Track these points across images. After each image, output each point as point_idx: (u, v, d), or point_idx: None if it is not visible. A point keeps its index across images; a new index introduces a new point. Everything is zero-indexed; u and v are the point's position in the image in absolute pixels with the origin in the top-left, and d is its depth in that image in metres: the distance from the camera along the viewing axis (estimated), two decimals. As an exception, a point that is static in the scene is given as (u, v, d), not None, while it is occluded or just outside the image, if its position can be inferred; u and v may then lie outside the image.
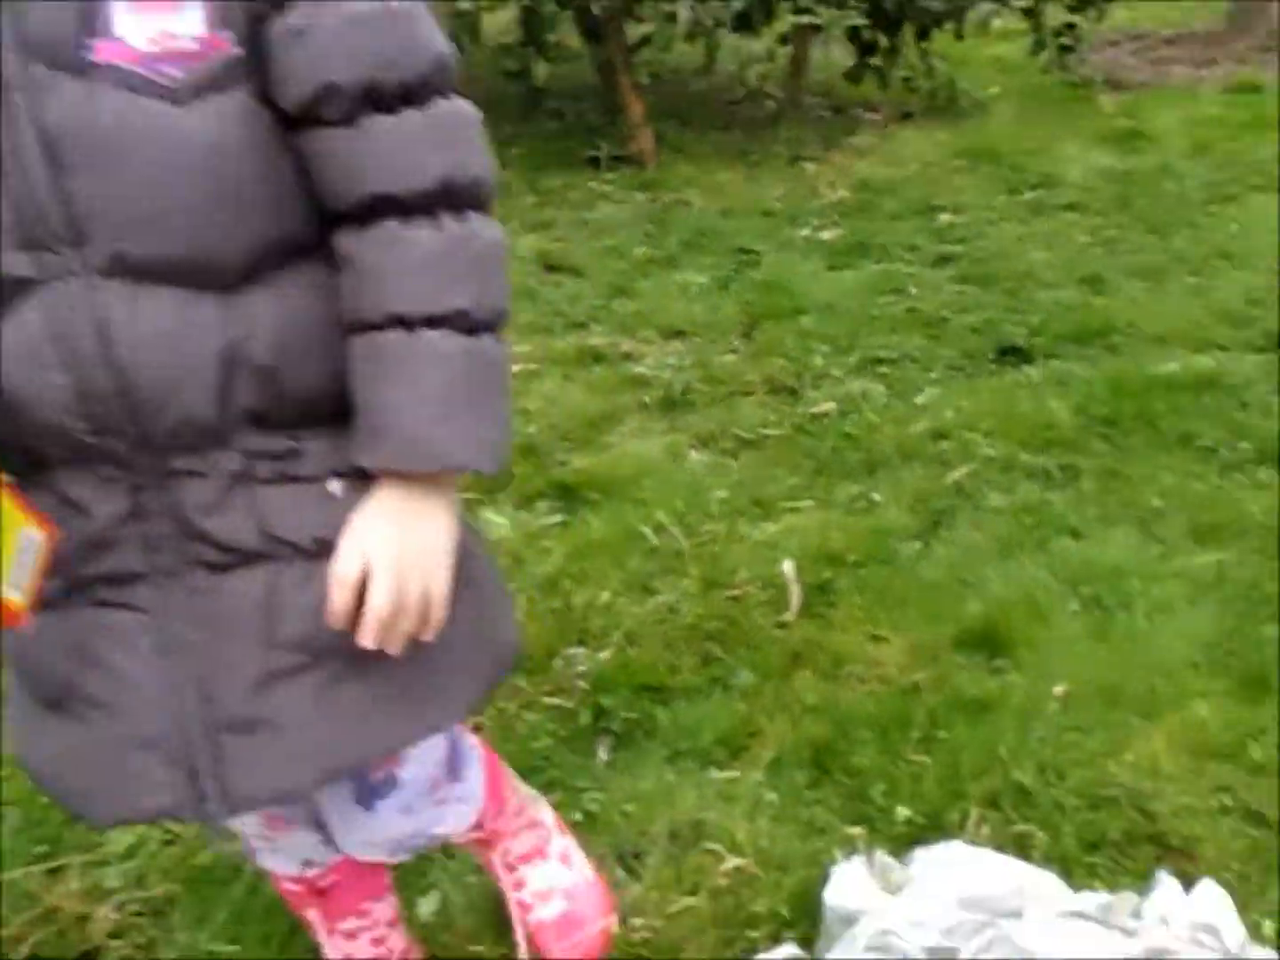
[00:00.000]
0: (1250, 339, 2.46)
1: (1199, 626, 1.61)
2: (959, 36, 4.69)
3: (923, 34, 4.62)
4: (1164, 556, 1.77)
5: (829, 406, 2.41)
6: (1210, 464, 2.01)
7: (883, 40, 4.65)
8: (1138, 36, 5.76)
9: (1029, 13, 4.50)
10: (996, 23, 6.17)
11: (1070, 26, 4.62)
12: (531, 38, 4.14)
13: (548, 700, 1.69)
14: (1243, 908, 1.18)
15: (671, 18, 3.82)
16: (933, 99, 4.79)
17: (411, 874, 1.43)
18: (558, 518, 2.16)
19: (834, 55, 4.83)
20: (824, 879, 1.25)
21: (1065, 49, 4.65)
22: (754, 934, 1.25)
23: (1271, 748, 1.39)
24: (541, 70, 4.22)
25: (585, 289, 3.29)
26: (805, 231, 3.56)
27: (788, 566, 1.86)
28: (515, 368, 2.83)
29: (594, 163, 4.53)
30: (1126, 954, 1.04)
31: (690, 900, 1.31)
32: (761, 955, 1.16)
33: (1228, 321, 2.56)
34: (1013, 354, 2.54)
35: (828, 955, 1.12)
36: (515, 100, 5.20)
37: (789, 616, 1.78)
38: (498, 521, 2.16)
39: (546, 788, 1.54)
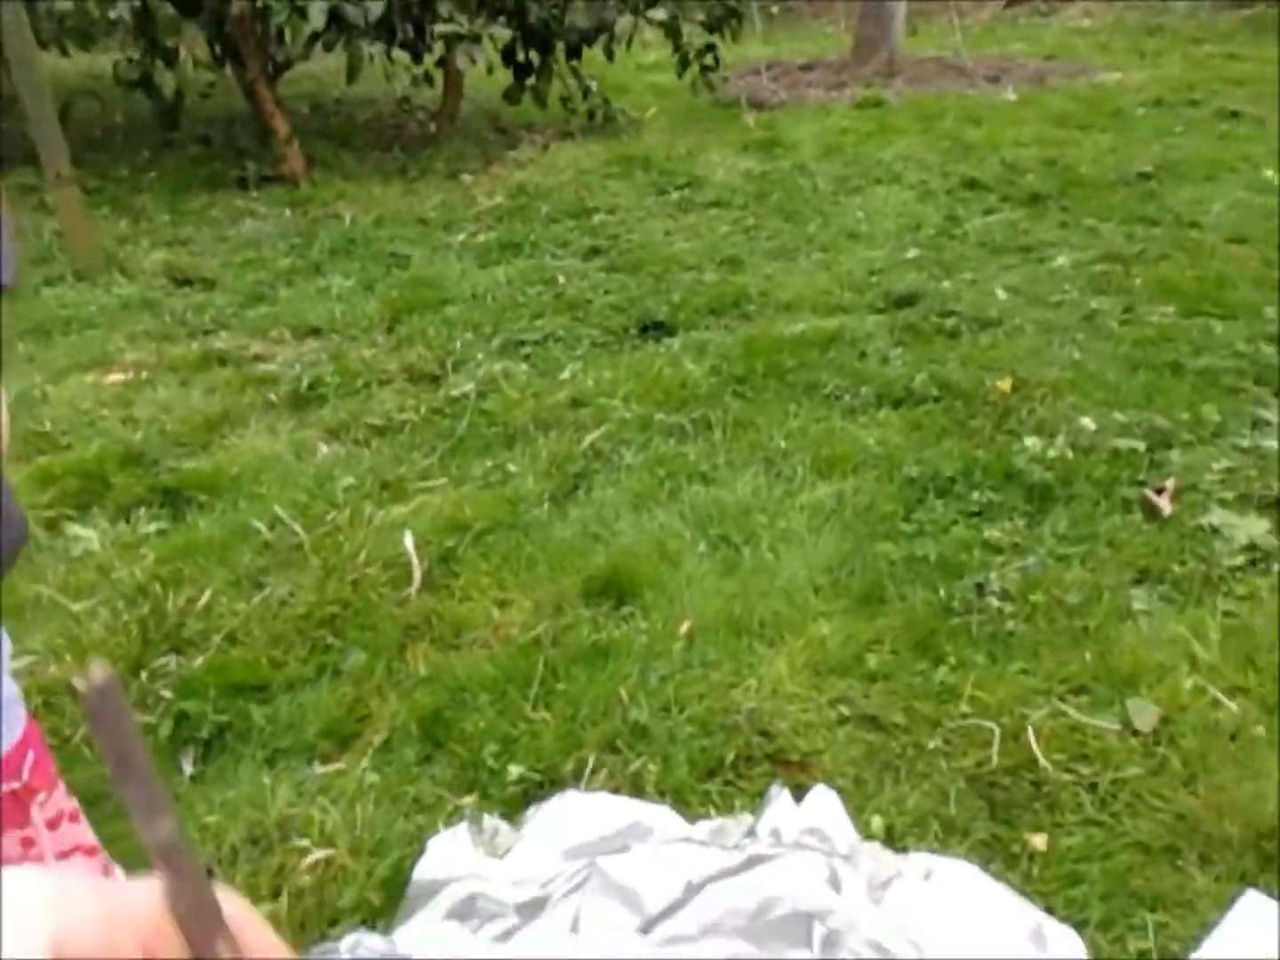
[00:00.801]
0: (871, 301, 2.56)
1: (820, 552, 1.59)
2: (609, 55, 4.78)
3: (573, 53, 4.67)
4: (789, 492, 1.75)
5: (469, 388, 2.28)
6: (834, 408, 2.03)
7: (535, 59, 4.66)
8: (776, 65, 6.12)
9: (668, 30, 4.64)
10: (651, 56, 6.43)
11: (710, 48, 4.81)
12: (151, 45, 3.83)
13: (127, 717, 1.45)
14: (858, 810, 1.12)
15: (303, 13, 3.63)
16: (590, 119, 4.85)
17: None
18: (158, 525, 1.90)
19: (496, 78, 4.80)
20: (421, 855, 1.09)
21: (706, 69, 4.83)
22: (337, 929, 1.07)
23: (887, 655, 1.37)
24: (169, 81, 3.91)
25: (216, 299, 3.03)
26: (460, 236, 3.46)
27: (408, 540, 1.70)
28: (121, 377, 2.54)
29: (242, 183, 4.26)
30: (722, 864, 0.94)
31: (269, 905, 1.11)
32: (323, 945, 0.98)
33: (851, 288, 2.66)
34: (655, 329, 2.52)
35: (399, 929, 0.96)
36: (153, 125, 4.85)
37: (410, 592, 1.62)
38: (84, 535, 1.88)
39: (115, 817, 1.30)
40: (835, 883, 0.93)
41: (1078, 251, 2.76)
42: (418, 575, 1.64)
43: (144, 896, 0.26)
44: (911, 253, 2.88)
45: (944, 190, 3.48)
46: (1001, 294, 2.52)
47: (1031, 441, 1.80)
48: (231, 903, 0.28)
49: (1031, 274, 2.66)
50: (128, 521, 1.92)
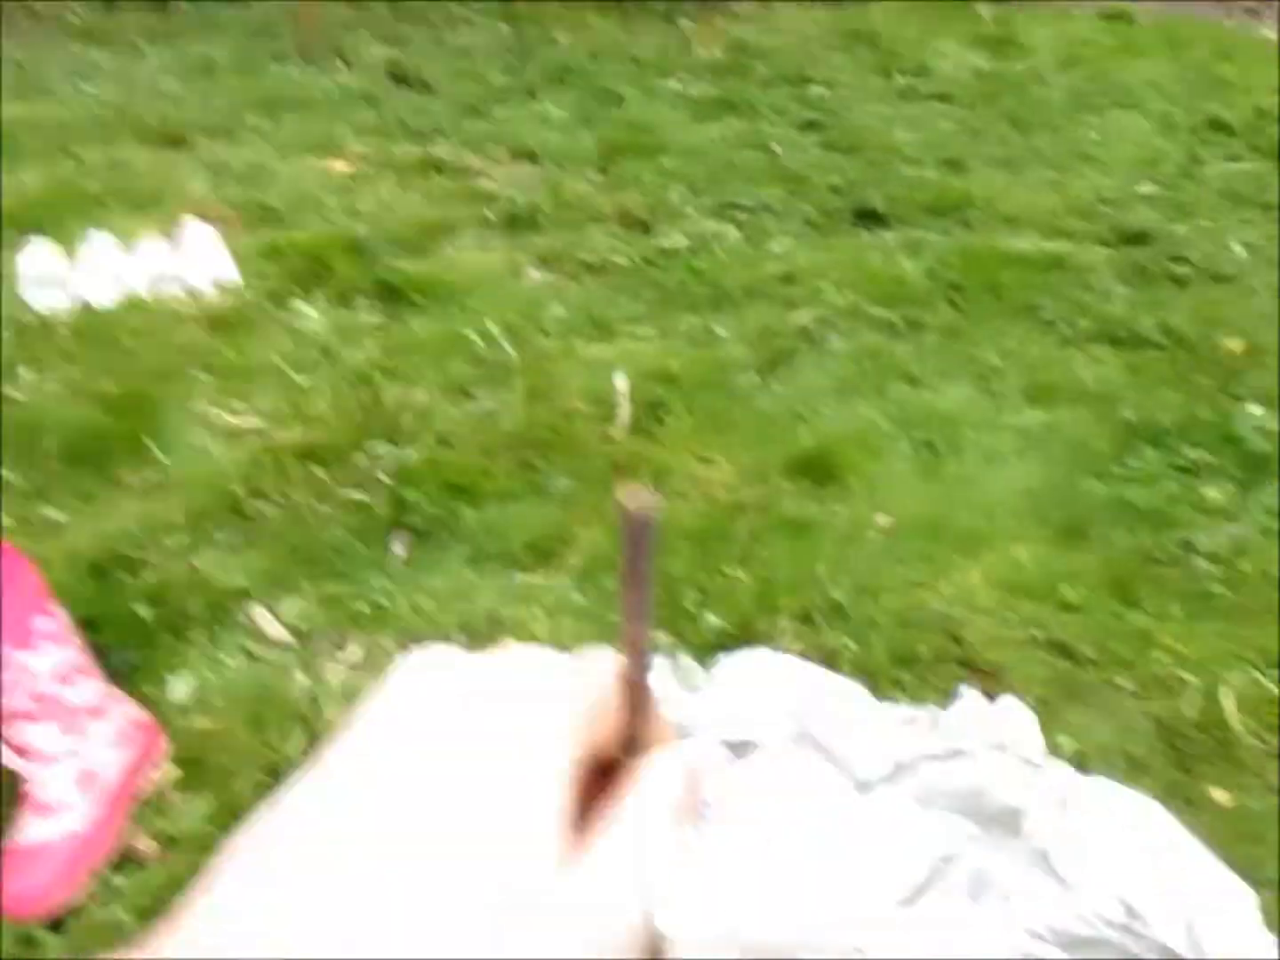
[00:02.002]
0: (1099, 233, 2.46)
1: (1025, 477, 1.59)
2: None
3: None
4: (998, 411, 1.75)
5: (680, 242, 2.28)
6: (1050, 335, 1.99)
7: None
8: (1020, -44, 5.74)
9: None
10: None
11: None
12: None
13: (345, 493, 1.55)
14: (1042, 729, 1.16)
15: None
16: (817, -19, 4.65)
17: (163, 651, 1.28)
18: (378, 318, 1.98)
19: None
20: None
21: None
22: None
23: (1083, 589, 1.38)
24: None
25: (434, 104, 3.05)
26: (675, 84, 3.40)
27: (619, 380, 1.74)
28: (346, 168, 2.60)
29: (458, -13, 4.23)
30: (927, 750, 0.99)
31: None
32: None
33: (1079, 214, 2.56)
34: (870, 218, 2.48)
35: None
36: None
37: (616, 432, 1.67)
38: (308, 313, 1.97)
39: (333, 580, 1.41)
40: (1032, 787, 0.97)
41: (1325, 218, 2.61)
42: (624, 416, 1.69)
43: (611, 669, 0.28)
44: (1146, 188, 2.75)
45: (1187, 127, 3.28)
46: (1238, 249, 2.40)
47: (1256, 409, 1.75)
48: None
49: (1271, 233, 2.52)
50: (348, 308, 2.00)
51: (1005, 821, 0.87)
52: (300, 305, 1.99)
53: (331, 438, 1.63)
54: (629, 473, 1.56)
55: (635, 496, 0.26)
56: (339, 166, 2.56)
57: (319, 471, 1.57)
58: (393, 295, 2.03)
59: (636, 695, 0.32)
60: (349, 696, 1.22)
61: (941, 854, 0.76)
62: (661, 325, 1.99)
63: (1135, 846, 0.96)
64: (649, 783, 0.30)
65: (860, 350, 1.91)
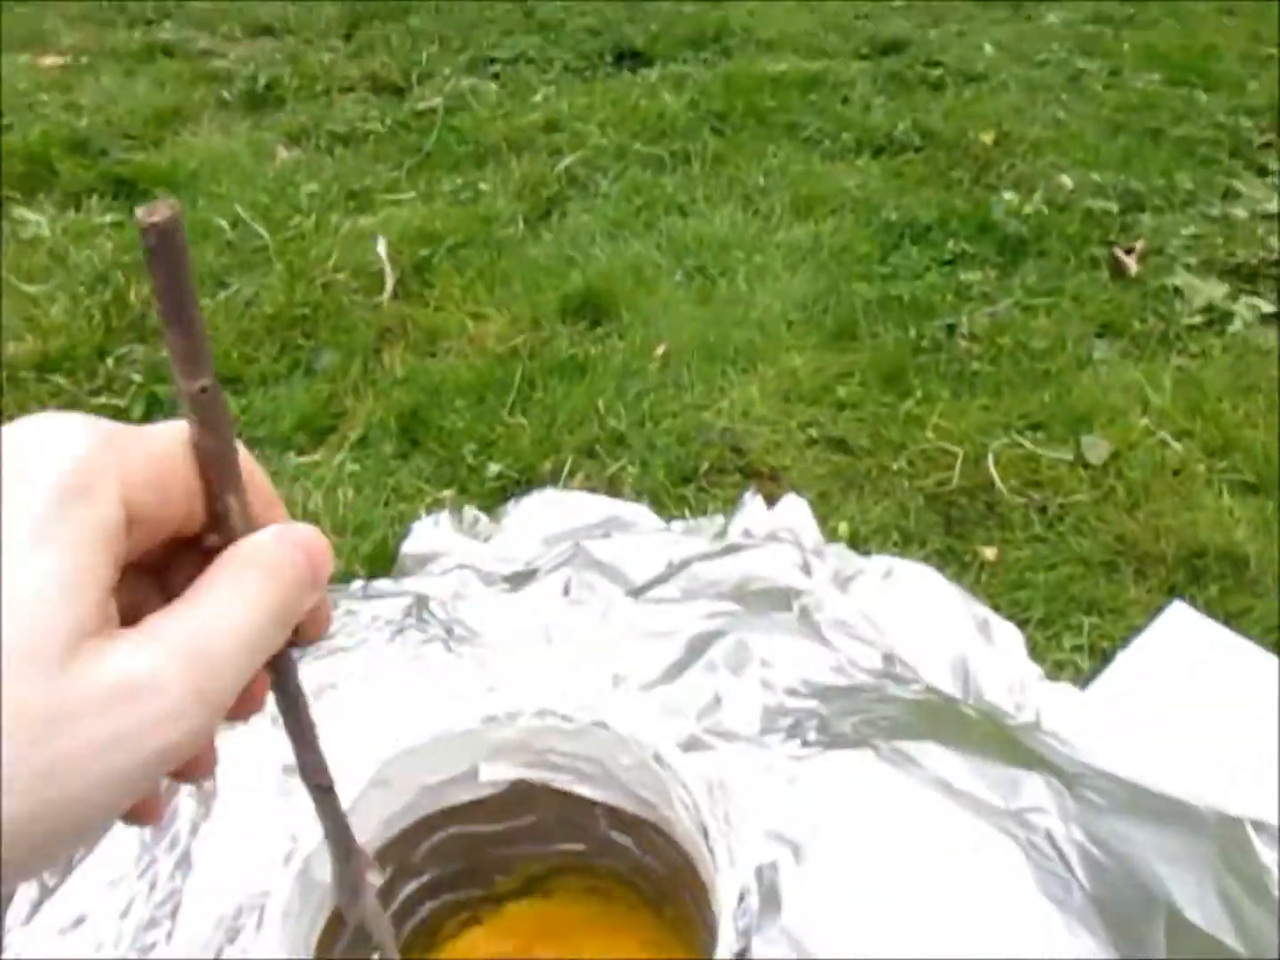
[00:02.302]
0: (856, 46, 2.47)
1: (796, 289, 1.60)
2: None
3: None
4: (766, 230, 1.75)
5: (436, 103, 2.18)
6: (813, 151, 2.00)
7: None
8: None
9: None
10: None
11: None
12: None
13: (96, 400, 1.44)
14: (824, 519, 1.19)
15: None
16: None
17: None
18: (113, 215, 1.83)
19: None
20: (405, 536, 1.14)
21: None
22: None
23: (856, 387, 1.41)
24: None
25: (156, -14, 2.81)
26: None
27: (380, 246, 1.67)
28: (59, 60, 2.37)
29: None
30: (703, 550, 1.00)
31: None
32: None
33: (836, 31, 2.55)
34: (631, 58, 2.42)
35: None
36: None
37: (382, 299, 1.60)
38: (33, 219, 1.81)
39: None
40: (807, 570, 0.99)
41: (1068, 11, 2.68)
42: (390, 282, 1.62)
43: (172, 433, 0.25)
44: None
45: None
46: (989, 48, 2.44)
47: (1009, 195, 1.80)
48: (254, 473, 0.28)
49: (1020, 30, 2.58)
50: (79, 209, 1.85)
51: (774, 600, 0.89)
52: (23, 212, 1.82)
53: (73, 345, 1.52)
54: (398, 337, 1.51)
55: (152, 209, 0.23)
56: (50, 60, 2.34)
57: (63, 381, 1.46)
58: (127, 190, 1.88)
59: (218, 465, 0.28)
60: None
61: (700, 633, 0.78)
62: (423, 189, 1.91)
63: (904, 608, 1.00)
64: (238, 565, 0.27)
65: (629, 188, 1.87)
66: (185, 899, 0.60)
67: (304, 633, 0.29)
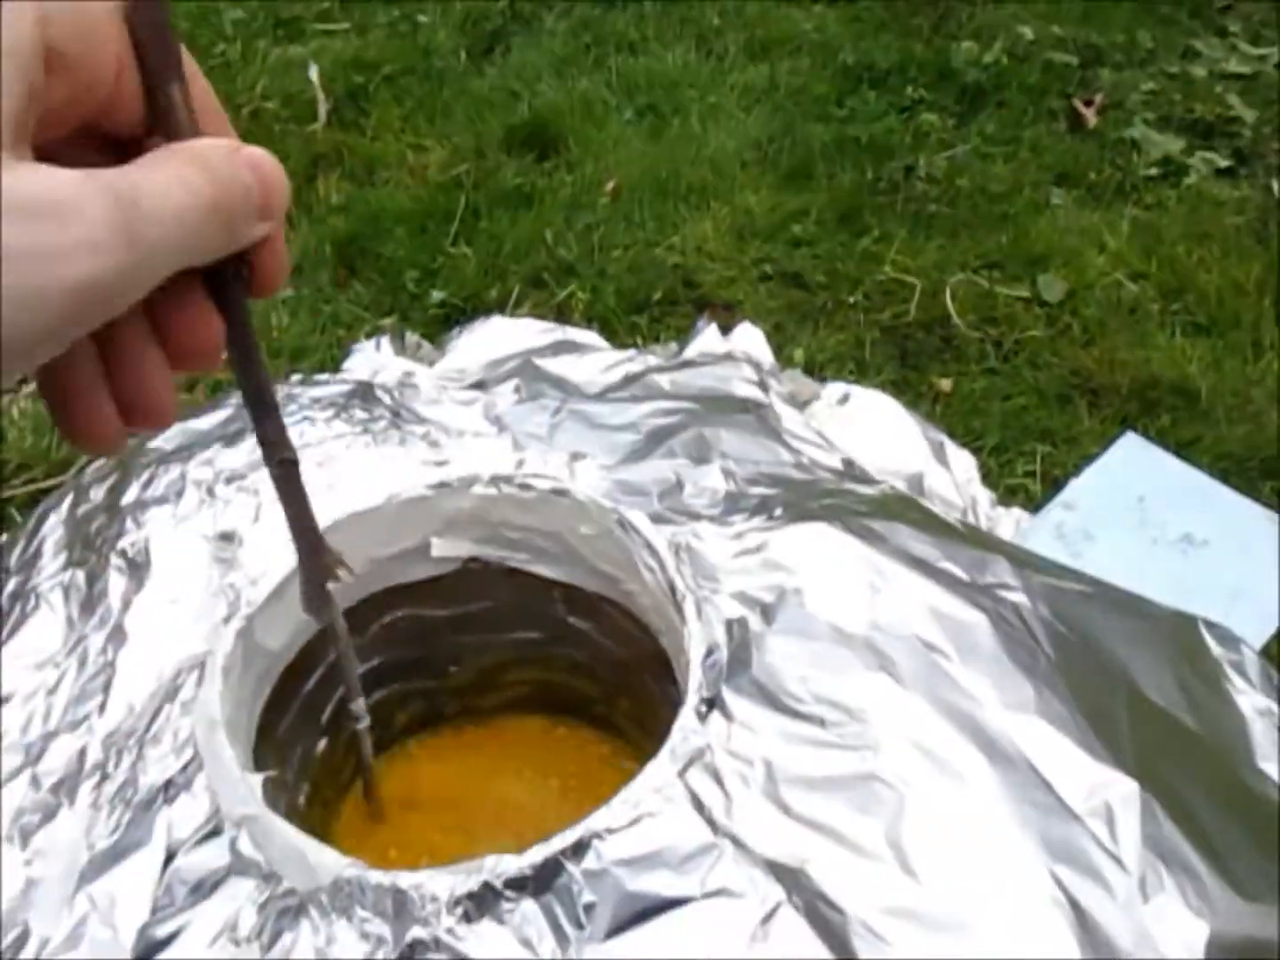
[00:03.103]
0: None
1: (750, 129, 1.55)
2: None
3: None
4: (720, 70, 1.68)
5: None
6: (770, -6, 1.92)
7: None
8: None
9: None
10: None
11: None
12: None
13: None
14: (778, 349, 1.16)
15: None
16: None
17: None
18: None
19: None
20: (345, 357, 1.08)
21: None
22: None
23: (812, 226, 1.37)
24: None
25: None
26: None
27: (313, 73, 1.57)
28: None
29: None
30: (658, 363, 0.97)
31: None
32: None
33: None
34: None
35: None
36: None
37: (316, 127, 1.52)
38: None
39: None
40: (764, 388, 0.96)
41: None
42: (323, 110, 1.53)
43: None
44: None
45: None
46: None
47: (969, 44, 1.75)
48: (198, 76, 0.26)
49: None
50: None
51: (733, 405, 0.86)
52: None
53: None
54: (333, 165, 1.43)
55: None
56: None
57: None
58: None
59: (156, 42, 0.25)
60: None
61: (659, 425, 0.75)
62: (357, 19, 1.80)
63: (861, 428, 0.98)
64: (181, 158, 0.24)
65: (577, 25, 1.78)
66: (119, 670, 0.57)
67: (259, 275, 0.27)
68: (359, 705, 0.52)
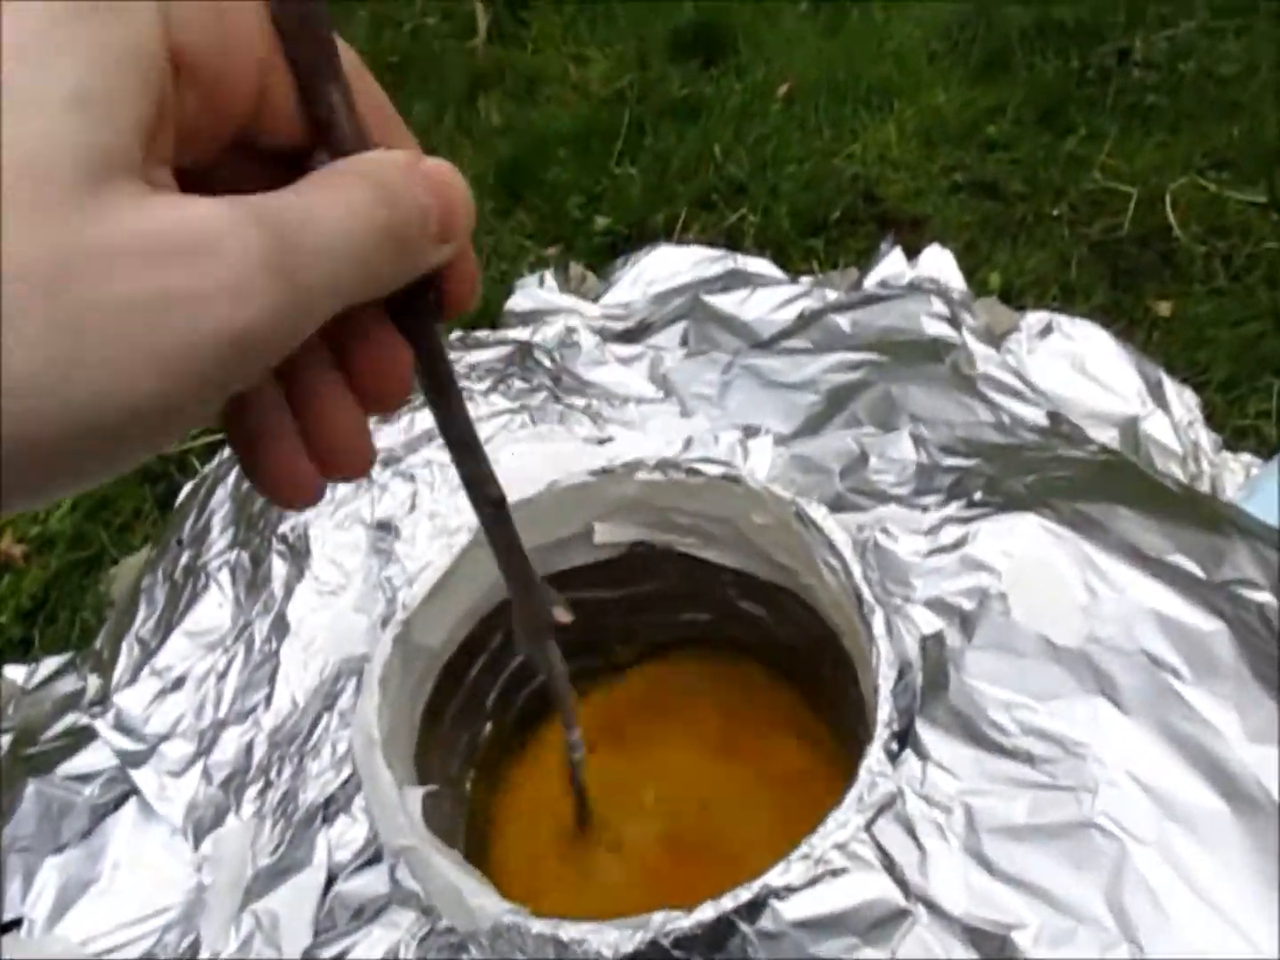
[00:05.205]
0: None
1: (938, 15, 1.40)
2: None
3: None
4: (905, -51, 1.53)
5: None
6: None
7: None
8: None
9: None
10: None
11: None
12: None
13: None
14: (971, 272, 1.06)
15: None
16: None
17: None
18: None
19: None
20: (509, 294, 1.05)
21: None
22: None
23: (1009, 125, 1.24)
24: None
25: None
26: None
27: (472, -16, 1.52)
28: None
29: None
30: (838, 300, 0.89)
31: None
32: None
33: None
34: None
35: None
36: None
37: (476, 43, 1.46)
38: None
39: None
40: (955, 324, 0.88)
41: None
42: (483, 25, 1.48)
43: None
44: None
45: None
46: None
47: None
48: (365, 78, 0.22)
49: None
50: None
51: (923, 352, 0.78)
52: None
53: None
54: (494, 84, 1.38)
55: None
56: None
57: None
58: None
59: (309, 39, 0.21)
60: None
61: (841, 384, 0.68)
62: (516, -80, 1.72)
63: (1065, 366, 0.89)
64: (346, 174, 0.21)
65: (746, -91, 1.65)
66: (282, 662, 0.56)
67: (447, 299, 0.23)
68: (575, 735, 0.49)
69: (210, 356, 0.17)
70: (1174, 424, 0.86)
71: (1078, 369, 0.89)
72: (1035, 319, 0.94)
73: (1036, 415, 0.72)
